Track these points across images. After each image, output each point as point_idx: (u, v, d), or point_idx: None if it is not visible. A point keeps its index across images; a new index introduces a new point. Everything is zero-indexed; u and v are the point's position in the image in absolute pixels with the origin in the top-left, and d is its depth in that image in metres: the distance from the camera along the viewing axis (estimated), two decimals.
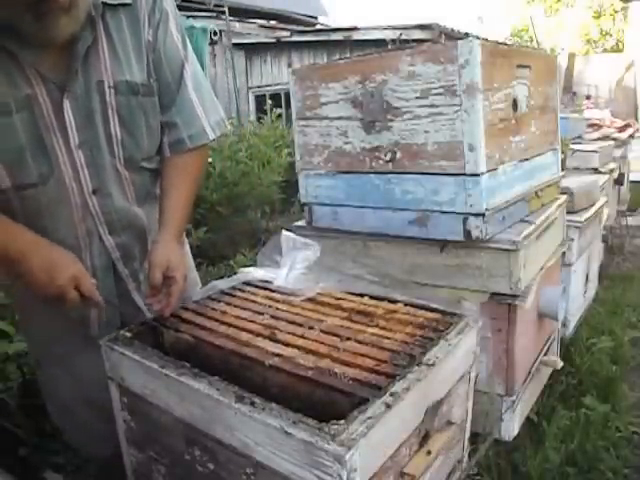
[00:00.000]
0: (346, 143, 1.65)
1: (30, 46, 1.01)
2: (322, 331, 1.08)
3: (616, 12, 19.86)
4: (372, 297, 1.27)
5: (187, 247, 1.48)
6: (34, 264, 1.04)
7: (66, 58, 1.06)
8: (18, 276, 1.07)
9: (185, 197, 1.25)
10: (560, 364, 1.93)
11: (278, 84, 9.14)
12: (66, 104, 1.06)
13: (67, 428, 1.45)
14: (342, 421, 0.77)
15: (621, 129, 4.23)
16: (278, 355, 0.99)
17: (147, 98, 1.17)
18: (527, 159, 1.69)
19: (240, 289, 1.36)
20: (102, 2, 1.07)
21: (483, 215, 1.44)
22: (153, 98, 1.19)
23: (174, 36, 1.21)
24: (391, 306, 1.21)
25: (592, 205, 2.46)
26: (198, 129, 1.25)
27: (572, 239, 2.21)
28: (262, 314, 1.18)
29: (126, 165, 1.18)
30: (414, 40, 7.20)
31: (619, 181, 3.74)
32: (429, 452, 0.94)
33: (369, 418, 0.78)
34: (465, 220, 1.47)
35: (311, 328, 1.10)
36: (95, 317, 1.25)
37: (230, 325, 1.13)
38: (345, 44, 8.41)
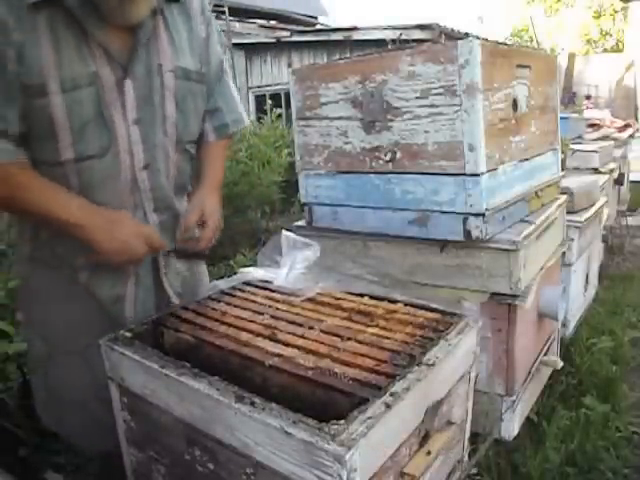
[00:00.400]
0: (346, 143, 1.65)
1: (103, 26, 1.10)
2: (322, 331, 1.08)
3: (616, 12, 19.88)
4: (372, 297, 1.27)
5: None
6: (96, 225, 1.12)
7: (130, 41, 1.15)
8: (75, 238, 1.14)
9: (220, 166, 1.44)
10: (560, 364, 1.93)
11: (278, 84, 9.15)
12: (127, 83, 1.15)
13: (68, 425, 1.43)
14: (342, 421, 0.77)
15: (621, 129, 4.23)
16: (278, 355, 0.99)
17: (198, 85, 1.29)
18: (527, 159, 1.69)
19: (240, 289, 1.36)
20: None
21: (483, 215, 1.44)
22: (203, 86, 1.31)
23: (216, 37, 1.37)
24: (391, 306, 1.21)
25: (592, 205, 2.46)
26: (238, 115, 1.44)
27: (572, 239, 2.21)
28: (262, 314, 1.18)
29: (175, 146, 1.27)
30: (414, 40, 7.20)
31: (619, 181, 3.75)
32: (429, 452, 0.94)
33: (369, 418, 0.78)
34: (465, 220, 1.47)
35: (311, 328, 1.10)
36: (131, 297, 1.29)
37: (230, 325, 1.13)
38: (345, 44, 8.41)
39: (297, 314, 1.18)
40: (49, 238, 1.25)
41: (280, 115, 5.47)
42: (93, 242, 1.12)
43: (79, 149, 1.13)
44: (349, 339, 1.04)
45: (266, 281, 1.37)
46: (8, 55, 1.04)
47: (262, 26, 9.57)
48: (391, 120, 1.53)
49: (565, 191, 2.14)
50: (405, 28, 7.81)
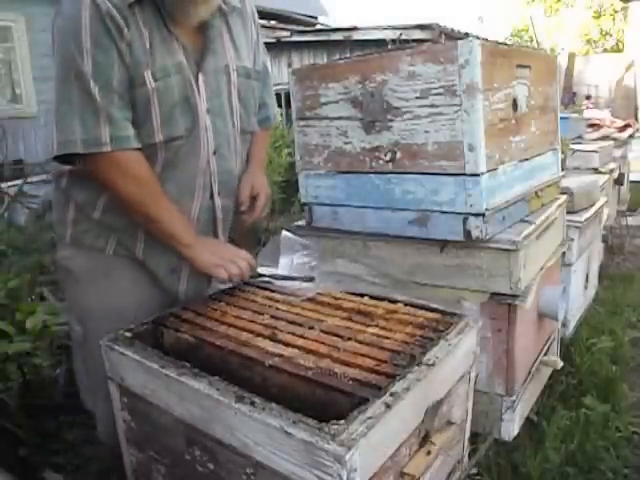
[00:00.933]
0: (346, 143, 1.65)
1: (177, 24, 1.24)
2: (322, 331, 1.09)
3: (616, 12, 19.88)
4: (372, 297, 1.27)
5: None
6: (204, 247, 1.30)
7: (201, 41, 1.30)
8: (180, 256, 1.31)
9: (264, 151, 1.63)
10: (560, 364, 1.93)
11: (278, 84, 9.08)
12: (200, 77, 1.29)
13: (102, 412, 1.43)
14: (342, 421, 0.77)
15: (621, 129, 4.23)
16: (278, 355, 0.99)
17: (255, 82, 1.45)
18: (527, 159, 1.69)
19: (240, 289, 1.36)
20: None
21: (483, 215, 1.44)
22: (259, 82, 1.47)
23: (262, 37, 1.53)
24: (391, 306, 1.21)
25: (592, 205, 2.46)
26: (276, 110, 1.65)
27: (572, 239, 2.21)
28: (262, 314, 1.18)
29: (239, 134, 1.42)
30: (414, 40, 7.20)
31: (619, 181, 3.74)
32: (429, 452, 0.94)
33: (369, 418, 0.78)
34: (465, 220, 1.47)
35: (311, 328, 1.10)
36: (187, 270, 1.37)
37: (230, 325, 1.13)
38: (345, 44, 8.40)
39: (297, 314, 1.18)
40: (101, 219, 1.33)
41: (280, 115, 5.47)
42: (195, 258, 1.29)
43: (168, 131, 1.26)
44: (349, 339, 1.04)
45: (265, 281, 1.37)
46: (124, 51, 1.18)
47: (262, 26, 9.54)
48: (391, 120, 1.53)
49: (565, 191, 2.14)
50: (405, 28, 7.80)
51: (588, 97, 12.19)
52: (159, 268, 1.36)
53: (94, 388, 1.41)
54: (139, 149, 1.23)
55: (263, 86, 1.54)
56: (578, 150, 3.22)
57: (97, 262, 1.35)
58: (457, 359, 1.04)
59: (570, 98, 11.79)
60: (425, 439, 0.95)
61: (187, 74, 1.26)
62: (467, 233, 1.47)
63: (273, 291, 1.33)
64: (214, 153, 1.35)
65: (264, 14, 10.62)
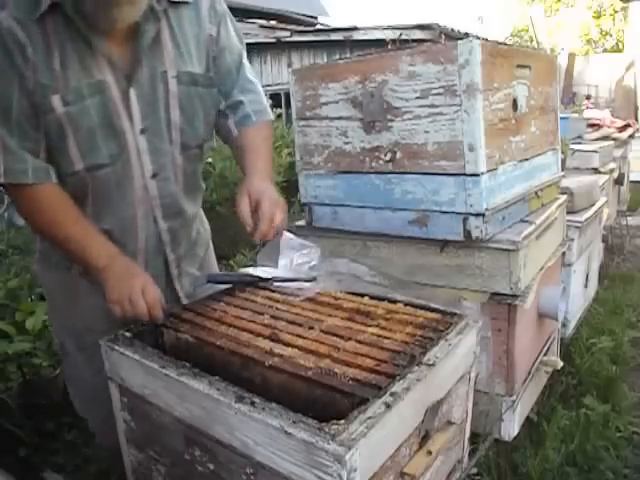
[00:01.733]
0: (346, 143, 1.65)
1: (100, 33, 1.08)
2: (322, 331, 1.08)
3: (616, 12, 19.88)
4: (372, 297, 1.27)
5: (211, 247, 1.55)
6: (114, 276, 1.13)
7: (132, 48, 1.13)
8: (92, 276, 1.17)
9: (259, 154, 1.31)
10: (560, 364, 1.93)
11: (278, 84, 9.14)
12: (132, 92, 1.14)
13: (89, 417, 1.45)
14: (342, 421, 0.77)
15: (621, 129, 4.23)
16: (278, 355, 0.99)
17: (205, 89, 1.26)
18: (527, 159, 1.69)
19: (240, 289, 1.36)
20: None
21: (483, 215, 1.44)
22: (211, 90, 1.28)
23: (232, 31, 1.32)
24: (391, 306, 1.21)
25: (592, 205, 2.46)
26: (261, 107, 1.36)
27: (572, 239, 2.21)
28: (262, 314, 1.18)
29: (181, 151, 1.26)
30: (414, 40, 7.20)
31: (619, 181, 3.74)
32: (429, 452, 0.93)
33: (369, 418, 0.78)
34: (465, 220, 1.47)
35: (311, 328, 1.10)
36: None
37: (230, 325, 1.13)
38: (345, 44, 8.41)
39: (297, 314, 1.18)
40: None
41: (280, 115, 5.48)
42: (106, 288, 1.13)
43: (90, 158, 1.14)
44: (349, 339, 1.04)
45: (266, 281, 1.37)
46: (28, 76, 1.06)
47: (262, 26, 9.56)
48: (391, 120, 1.53)
49: (565, 191, 2.14)
50: (405, 28, 7.81)
51: (588, 97, 12.19)
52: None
53: (79, 396, 1.43)
54: (49, 178, 1.14)
55: (236, 84, 1.33)
56: (578, 150, 3.22)
57: (65, 281, 1.30)
58: (457, 359, 1.04)
59: (570, 98, 11.79)
60: (425, 439, 0.95)
61: (111, 93, 1.12)
62: (467, 233, 1.47)
63: (273, 291, 1.33)
64: (153, 177, 1.22)
65: (264, 14, 10.63)
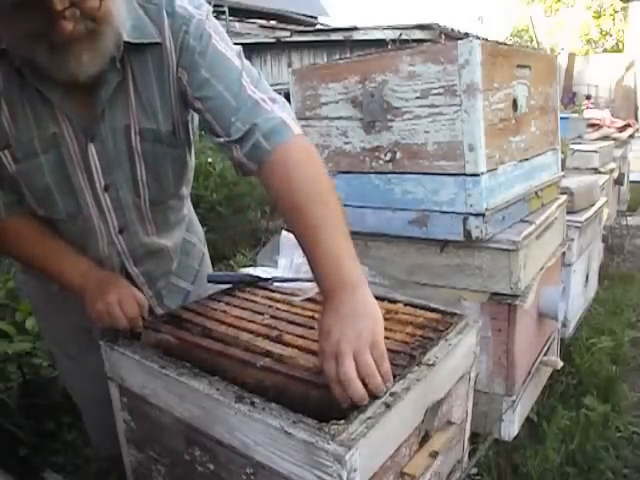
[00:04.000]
0: (346, 143, 1.65)
1: (56, 84, 0.94)
2: None
3: (616, 12, 19.89)
4: None
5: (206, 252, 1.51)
6: (90, 288, 1.07)
7: (92, 100, 0.99)
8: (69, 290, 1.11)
9: (322, 209, 0.96)
10: (560, 364, 1.93)
11: (278, 84, 9.14)
12: (91, 148, 1.03)
13: (85, 422, 1.46)
14: (342, 421, 0.77)
15: (621, 129, 4.23)
16: (278, 355, 0.99)
17: (171, 149, 1.11)
18: (527, 159, 1.69)
19: (240, 289, 1.36)
20: (125, 42, 0.96)
21: (483, 215, 1.44)
22: (178, 150, 1.14)
23: (224, 54, 1.05)
24: (391, 306, 1.21)
25: (592, 205, 2.46)
26: (274, 124, 1.00)
27: (572, 239, 2.21)
28: (262, 314, 1.18)
29: (150, 205, 1.16)
30: (414, 40, 7.20)
31: (619, 181, 3.74)
32: (429, 452, 0.93)
33: (369, 418, 0.78)
34: (465, 220, 1.47)
35: (311, 328, 1.10)
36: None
37: (230, 325, 1.13)
38: (345, 44, 8.42)
39: (297, 314, 1.18)
40: None
41: None
42: (86, 305, 1.08)
43: (47, 213, 1.09)
44: None
45: (265, 280, 1.37)
46: None
47: (262, 26, 9.57)
48: (391, 120, 1.53)
49: (565, 191, 2.14)
50: (405, 28, 7.82)
51: (588, 97, 12.19)
52: (76, 310, 1.18)
53: (75, 398, 1.43)
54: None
55: (234, 113, 1.01)
56: (578, 150, 3.22)
57: (44, 291, 1.26)
58: (457, 359, 1.04)
59: (570, 98, 11.79)
60: (425, 439, 0.95)
61: (67, 149, 1.01)
62: (467, 233, 1.47)
63: (273, 291, 1.33)
64: (120, 232, 1.14)
65: (264, 14, 10.64)
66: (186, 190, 1.29)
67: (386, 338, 1.04)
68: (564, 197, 2.01)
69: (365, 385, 0.79)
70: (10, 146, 0.99)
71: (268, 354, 0.99)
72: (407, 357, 0.96)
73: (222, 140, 1.03)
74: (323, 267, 0.90)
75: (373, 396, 0.80)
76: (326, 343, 0.82)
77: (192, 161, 1.25)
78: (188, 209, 1.37)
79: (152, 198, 1.14)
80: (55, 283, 1.18)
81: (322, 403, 0.87)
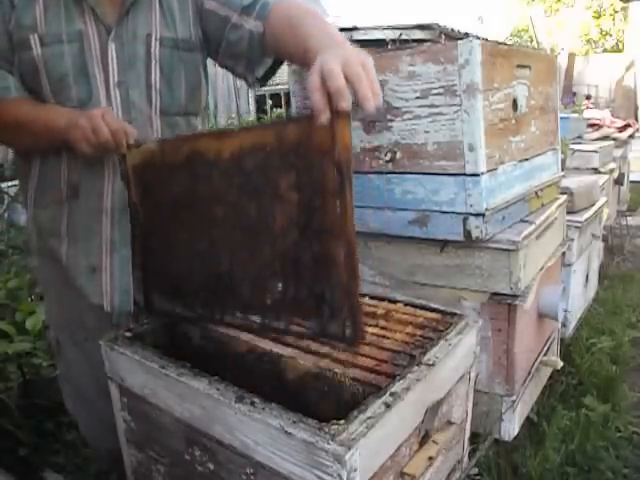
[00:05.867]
0: None
1: None
2: None
3: (616, 12, 19.88)
4: (372, 297, 1.27)
5: None
6: (72, 124, 1.11)
7: (120, 5, 1.17)
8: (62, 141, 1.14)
9: (314, 20, 1.08)
10: (560, 364, 1.93)
11: (278, 84, 9.12)
12: (111, 46, 1.17)
13: (82, 417, 1.45)
14: (342, 421, 0.77)
15: (621, 129, 4.23)
16: (278, 355, 0.99)
17: (187, 53, 1.26)
18: (527, 159, 1.69)
19: None
20: None
21: (483, 215, 1.44)
22: (193, 54, 1.27)
23: None
24: (391, 306, 1.21)
25: (592, 205, 2.46)
26: None
27: (572, 239, 2.21)
28: None
29: (160, 116, 1.25)
30: (414, 40, 7.20)
31: (619, 181, 3.74)
32: (429, 453, 0.93)
33: (369, 418, 0.78)
34: (465, 220, 1.47)
35: None
36: (107, 267, 1.26)
37: (230, 325, 1.13)
38: None
39: None
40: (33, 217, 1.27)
41: (280, 115, 5.47)
42: (70, 139, 1.12)
43: (59, 100, 1.17)
44: None
45: None
46: (9, 16, 1.12)
47: None
48: (391, 120, 1.53)
49: (565, 191, 2.14)
50: (405, 28, 7.82)
51: (588, 97, 12.18)
52: (78, 268, 1.26)
53: (72, 394, 1.43)
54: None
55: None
56: (578, 150, 3.22)
57: (58, 273, 1.30)
58: (457, 359, 1.04)
59: (570, 98, 11.79)
60: (425, 439, 0.95)
61: (88, 43, 1.16)
62: (467, 233, 1.47)
63: None
64: None
65: None
66: (195, 119, 1.35)
67: (386, 338, 1.04)
68: (564, 197, 2.01)
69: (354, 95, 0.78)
70: (37, 32, 1.13)
71: (268, 354, 0.99)
72: (407, 357, 0.96)
73: (235, 18, 1.21)
74: (314, 39, 0.99)
75: (361, 119, 0.83)
76: (312, 68, 0.83)
77: (206, 83, 1.35)
78: None
79: (163, 108, 1.24)
80: (44, 140, 1.19)
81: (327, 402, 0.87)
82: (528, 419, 1.83)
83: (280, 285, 0.91)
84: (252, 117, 8.49)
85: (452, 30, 8.53)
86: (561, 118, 2.03)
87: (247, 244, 0.94)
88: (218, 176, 0.96)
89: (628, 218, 4.46)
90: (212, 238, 0.99)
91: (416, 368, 0.92)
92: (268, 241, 0.91)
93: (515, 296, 1.51)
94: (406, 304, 1.22)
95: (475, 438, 1.48)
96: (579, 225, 2.24)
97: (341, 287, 0.84)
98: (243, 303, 0.98)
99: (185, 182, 1.02)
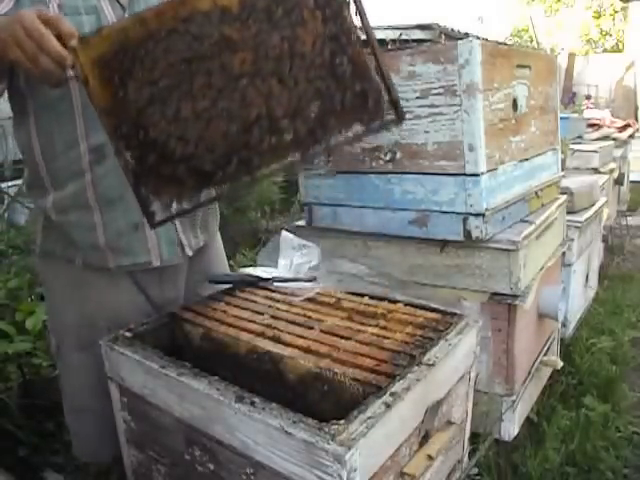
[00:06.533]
0: None
1: None
2: (322, 331, 1.08)
3: (616, 12, 19.88)
4: (372, 297, 1.27)
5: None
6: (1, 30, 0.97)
7: None
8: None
9: None
10: (560, 364, 1.93)
11: None
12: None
13: (76, 426, 1.42)
14: (342, 421, 0.77)
15: (621, 129, 4.23)
16: (278, 355, 0.99)
17: None
18: (527, 159, 1.69)
19: (240, 289, 1.36)
20: None
21: (483, 215, 1.44)
22: None
23: None
24: (391, 306, 1.21)
25: (592, 205, 2.46)
26: None
27: (572, 239, 2.21)
28: (262, 314, 1.18)
29: None
30: (414, 40, 7.20)
31: (619, 181, 3.75)
32: (429, 453, 0.93)
33: (369, 418, 0.78)
34: (465, 220, 1.47)
35: (311, 328, 1.10)
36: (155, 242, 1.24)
37: (230, 325, 1.13)
38: None
39: (297, 314, 1.18)
40: (57, 219, 1.23)
41: None
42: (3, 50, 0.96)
43: None
44: (349, 339, 1.04)
45: (265, 280, 1.37)
46: None
47: None
48: None
49: (565, 191, 2.14)
50: (405, 28, 7.80)
51: (588, 97, 12.18)
52: (119, 230, 1.22)
53: (69, 402, 1.38)
54: None
55: None
56: (578, 150, 3.22)
57: (67, 274, 1.29)
58: (457, 359, 1.04)
59: (570, 98, 11.78)
60: (425, 439, 0.95)
61: (105, 15, 1.18)
62: (467, 233, 1.47)
63: (273, 291, 1.33)
64: None
65: None
66: None
67: (386, 338, 1.04)
68: (564, 197, 2.01)
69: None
70: (56, 1, 1.10)
71: (268, 354, 1.00)
72: (407, 357, 0.96)
73: None
74: None
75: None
76: None
77: None
78: None
79: None
80: None
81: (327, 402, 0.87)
82: (528, 419, 1.83)
83: (318, 104, 0.93)
84: None
85: (452, 30, 8.52)
86: (561, 118, 2.03)
87: (279, 80, 0.93)
88: (229, 27, 0.93)
89: (628, 218, 4.47)
90: (237, 92, 0.94)
91: (416, 368, 0.92)
92: (303, 66, 0.92)
93: (515, 296, 1.51)
94: (406, 304, 1.22)
95: (475, 438, 1.48)
96: (579, 225, 2.25)
97: (378, 77, 0.90)
98: (282, 144, 0.95)
99: (187, 47, 0.96)
